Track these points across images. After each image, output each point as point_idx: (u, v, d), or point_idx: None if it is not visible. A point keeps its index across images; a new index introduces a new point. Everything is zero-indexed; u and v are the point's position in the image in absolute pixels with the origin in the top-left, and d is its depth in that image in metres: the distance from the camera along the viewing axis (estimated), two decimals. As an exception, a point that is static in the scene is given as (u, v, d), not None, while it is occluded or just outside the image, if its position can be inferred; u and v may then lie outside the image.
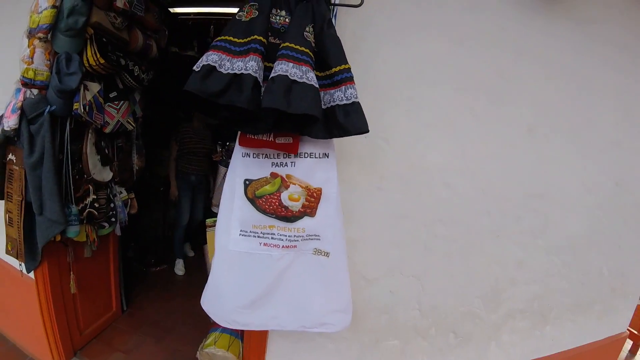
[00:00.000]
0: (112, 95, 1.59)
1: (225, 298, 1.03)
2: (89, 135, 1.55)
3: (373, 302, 1.23)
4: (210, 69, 0.84)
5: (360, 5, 0.99)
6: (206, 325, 1.77)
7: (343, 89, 0.89)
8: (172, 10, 2.59)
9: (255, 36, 0.87)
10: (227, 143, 1.34)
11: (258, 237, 1.01)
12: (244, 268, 1.01)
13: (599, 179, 1.47)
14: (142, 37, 1.67)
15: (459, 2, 1.22)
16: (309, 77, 0.83)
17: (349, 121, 0.88)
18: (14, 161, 1.52)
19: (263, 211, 0.99)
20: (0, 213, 1.67)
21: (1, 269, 1.68)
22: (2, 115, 1.53)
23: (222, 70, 0.84)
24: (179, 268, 2.50)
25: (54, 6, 1.45)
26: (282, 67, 0.81)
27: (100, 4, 1.52)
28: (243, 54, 0.86)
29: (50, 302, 1.61)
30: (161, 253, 2.69)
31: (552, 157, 1.34)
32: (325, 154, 0.99)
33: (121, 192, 1.70)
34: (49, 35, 1.48)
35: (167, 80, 2.12)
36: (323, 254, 1.03)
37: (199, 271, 2.60)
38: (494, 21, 1.25)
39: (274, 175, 1.00)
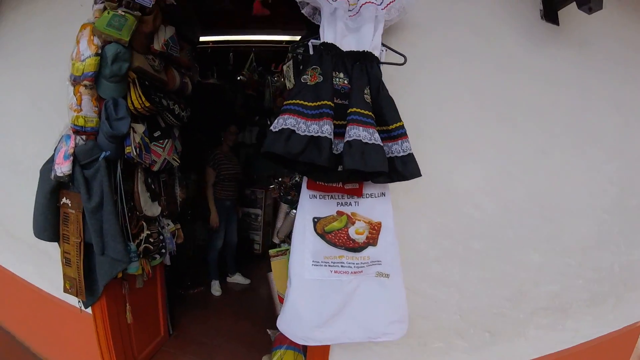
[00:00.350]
0: (156, 134, 1.81)
1: (302, 319, 1.30)
2: (139, 174, 1.78)
3: (420, 310, 1.53)
4: (290, 132, 1.10)
5: (404, 63, 1.27)
6: (251, 341, 2.04)
7: (400, 142, 1.17)
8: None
9: (325, 101, 1.13)
10: (280, 178, 1.59)
11: (329, 266, 1.29)
12: (318, 293, 1.29)
13: (605, 187, 1.79)
14: (179, 76, 1.89)
15: (475, 34, 1.54)
16: (376, 137, 1.10)
17: (406, 169, 1.17)
18: (69, 205, 1.73)
19: (333, 244, 1.27)
20: (51, 252, 1.90)
21: (58, 307, 1.91)
22: (52, 161, 1.74)
23: (300, 132, 1.10)
24: (216, 289, 2.76)
25: (97, 54, 1.66)
26: (355, 132, 1.08)
27: (140, 48, 1.74)
28: (316, 117, 1.12)
29: (108, 334, 1.84)
30: (195, 275, 2.95)
31: (562, 172, 1.66)
32: (382, 193, 1.28)
33: (168, 224, 1.93)
34: (94, 82, 1.70)
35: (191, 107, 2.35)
36: (384, 275, 1.32)
37: (235, 291, 2.90)
38: (506, 50, 1.57)
39: (340, 213, 1.27)
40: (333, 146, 1.12)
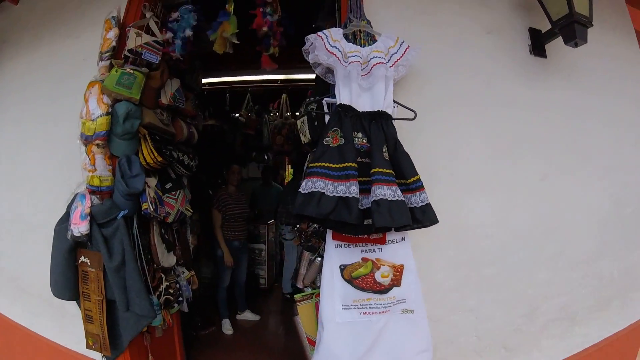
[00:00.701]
0: (167, 186, 1.95)
1: (338, 359, 1.52)
2: (154, 227, 1.93)
3: (442, 336, 1.74)
4: (320, 195, 1.31)
5: (414, 118, 1.50)
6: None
7: (418, 194, 1.39)
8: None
9: (349, 163, 1.33)
10: (297, 225, 1.79)
11: (358, 308, 1.50)
12: (349, 333, 1.48)
13: (600, 201, 2.07)
14: (185, 126, 2.04)
15: (474, 77, 1.80)
16: (398, 194, 1.32)
17: (425, 218, 1.39)
18: (88, 263, 1.86)
19: (361, 289, 1.48)
20: (67, 307, 2.03)
21: (78, 361, 2.04)
22: (68, 220, 1.87)
23: (328, 193, 1.31)
24: (227, 328, 2.92)
25: (107, 112, 1.81)
26: (381, 192, 1.29)
27: (149, 103, 1.89)
28: (343, 178, 1.32)
29: (133, 386, 2.00)
30: (204, 313, 3.08)
31: (561, 194, 1.90)
32: (402, 237, 1.49)
33: (183, 272, 2.09)
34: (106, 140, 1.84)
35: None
36: (409, 311, 1.54)
37: (246, 328, 3.07)
38: (502, 88, 1.83)
39: (365, 259, 1.49)
40: (359, 203, 1.34)
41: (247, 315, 3.27)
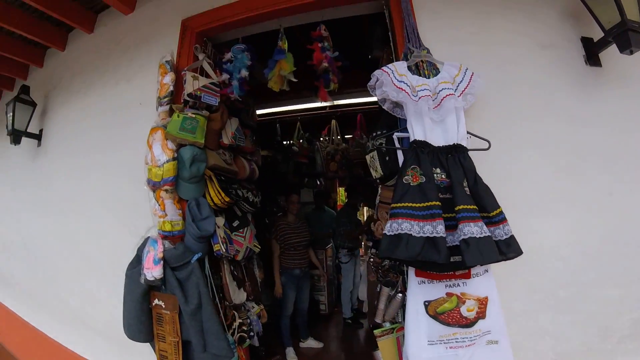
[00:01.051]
0: (235, 224, 1.98)
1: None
2: (225, 266, 1.95)
3: (521, 362, 1.74)
4: (407, 237, 1.30)
5: (488, 148, 1.48)
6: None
7: (502, 227, 1.37)
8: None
9: (433, 202, 1.32)
10: (372, 259, 1.78)
11: (444, 343, 1.47)
12: (437, 369, 1.49)
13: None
14: (247, 163, 2.07)
15: (532, 93, 1.77)
16: (485, 230, 1.30)
17: (510, 250, 1.37)
18: (163, 306, 1.90)
19: (447, 324, 1.46)
20: (135, 345, 2.06)
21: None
22: (139, 264, 1.91)
23: (415, 234, 1.30)
24: (291, 356, 2.92)
25: (173, 158, 1.84)
26: (468, 230, 1.27)
27: (212, 145, 1.92)
28: (428, 218, 1.31)
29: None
30: (265, 341, 3.09)
31: (629, 208, 1.87)
32: (486, 270, 1.47)
33: (253, 307, 2.10)
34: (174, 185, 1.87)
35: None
36: (494, 342, 1.51)
37: (309, 356, 3.07)
38: (561, 101, 1.79)
39: (449, 294, 1.47)
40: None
41: (311, 343, 3.26)
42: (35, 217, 2.77)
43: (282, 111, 3.54)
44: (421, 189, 1.33)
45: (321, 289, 4.14)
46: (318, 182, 4.56)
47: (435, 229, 1.28)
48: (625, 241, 1.88)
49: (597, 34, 1.93)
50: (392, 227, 1.30)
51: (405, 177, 1.36)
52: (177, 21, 2.16)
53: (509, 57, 1.86)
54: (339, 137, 3.95)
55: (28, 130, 2.74)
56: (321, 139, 3.96)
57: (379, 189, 1.75)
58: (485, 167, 1.60)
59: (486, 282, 1.47)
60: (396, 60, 1.75)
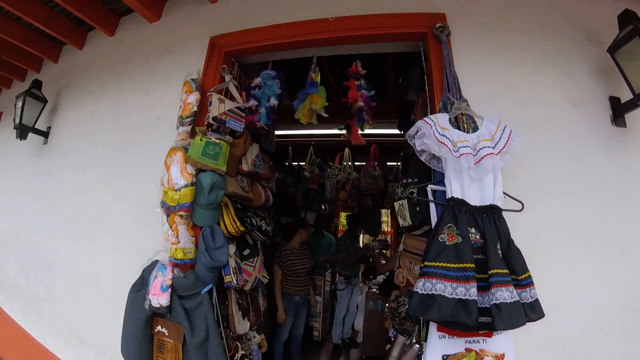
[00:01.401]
0: (245, 253, 1.90)
1: None
2: (232, 295, 1.87)
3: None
4: (441, 298, 1.27)
5: (522, 210, 1.46)
6: None
7: (528, 290, 1.34)
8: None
9: (468, 264, 1.29)
10: (387, 304, 1.73)
11: (462, 394, 1.46)
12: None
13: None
14: (262, 190, 2.00)
15: (564, 157, 1.76)
16: (514, 294, 1.26)
17: (534, 313, 1.33)
18: (166, 334, 1.80)
19: (466, 379, 1.44)
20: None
21: None
22: (144, 288, 1.81)
23: (447, 295, 1.27)
24: None
25: (192, 183, 1.75)
26: (501, 295, 1.24)
27: (231, 172, 1.84)
28: (462, 279, 1.27)
29: None
30: None
31: None
32: (507, 329, 1.46)
33: (254, 336, 2.03)
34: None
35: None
36: (508, 397, 1.50)
37: None
38: (594, 169, 1.78)
39: (468, 350, 1.44)
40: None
41: None
42: (33, 222, 2.59)
43: (297, 134, 3.49)
44: (457, 249, 1.30)
45: (317, 315, 4.13)
46: (322, 207, 4.51)
47: (469, 291, 1.25)
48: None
49: (624, 94, 1.95)
50: (425, 287, 1.26)
51: (441, 235, 1.32)
52: (203, 36, 2.09)
53: (542, 116, 1.83)
54: (350, 165, 3.91)
55: (36, 127, 2.61)
56: (331, 163, 3.93)
57: (404, 236, 1.72)
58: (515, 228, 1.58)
59: (505, 338, 1.45)
60: (430, 106, 1.73)
